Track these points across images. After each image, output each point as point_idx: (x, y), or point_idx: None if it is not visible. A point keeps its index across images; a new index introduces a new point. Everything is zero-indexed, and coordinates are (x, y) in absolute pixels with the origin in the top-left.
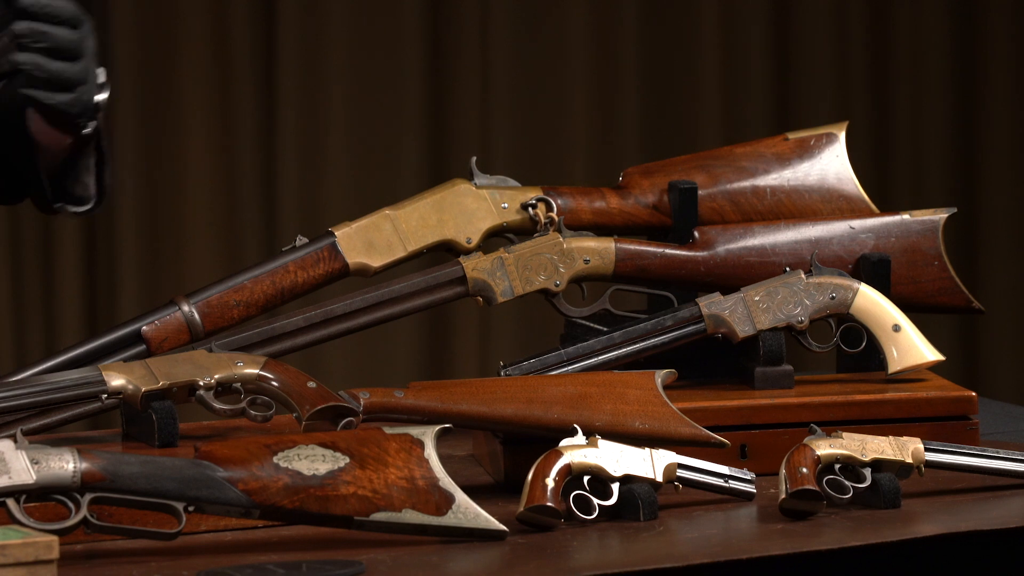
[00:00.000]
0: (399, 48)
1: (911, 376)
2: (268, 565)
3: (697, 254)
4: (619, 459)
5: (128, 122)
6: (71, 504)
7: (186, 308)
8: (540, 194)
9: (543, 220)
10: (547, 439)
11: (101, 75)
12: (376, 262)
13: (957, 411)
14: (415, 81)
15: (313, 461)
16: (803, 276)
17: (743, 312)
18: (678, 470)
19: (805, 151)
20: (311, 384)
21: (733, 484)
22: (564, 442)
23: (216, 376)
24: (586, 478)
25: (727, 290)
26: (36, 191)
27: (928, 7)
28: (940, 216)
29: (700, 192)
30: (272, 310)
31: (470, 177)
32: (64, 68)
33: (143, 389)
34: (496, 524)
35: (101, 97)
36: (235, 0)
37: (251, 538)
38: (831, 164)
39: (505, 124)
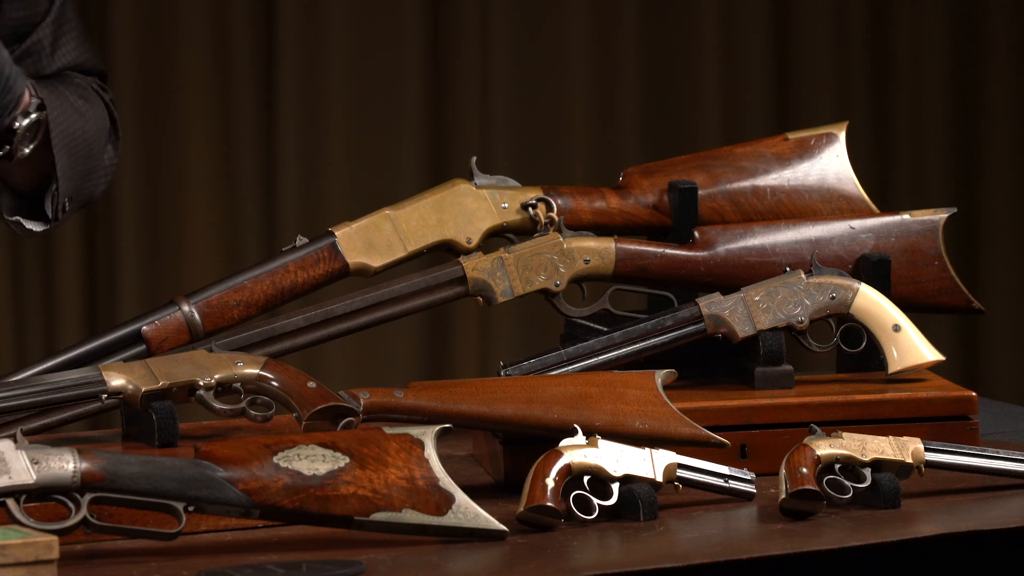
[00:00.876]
0: (399, 48)
1: (911, 376)
2: (268, 565)
3: (697, 254)
4: (619, 459)
5: (128, 122)
6: (71, 504)
7: (186, 308)
8: (540, 194)
9: (543, 220)
10: (547, 439)
11: (25, 100)
12: (376, 262)
13: (957, 411)
14: (415, 81)
15: (313, 461)
16: (803, 276)
17: (743, 312)
18: (678, 470)
19: (805, 151)
20: (311, 384)
21: (733, 484)
22: (564, 442)
23: (216, 376)
24: (586, 478)
25: (727, 290)
26: None
27: (928, 7)
28: (940, 216)
29: (700, 192)
30: (272, 310)
31: (470, 177)
32: None
33: (143, 389)
34: (496, 524)
35: (22, 123)
36: (235, 0)
37: (251, 538)
38: (831, 164)
39: (505, 124)
